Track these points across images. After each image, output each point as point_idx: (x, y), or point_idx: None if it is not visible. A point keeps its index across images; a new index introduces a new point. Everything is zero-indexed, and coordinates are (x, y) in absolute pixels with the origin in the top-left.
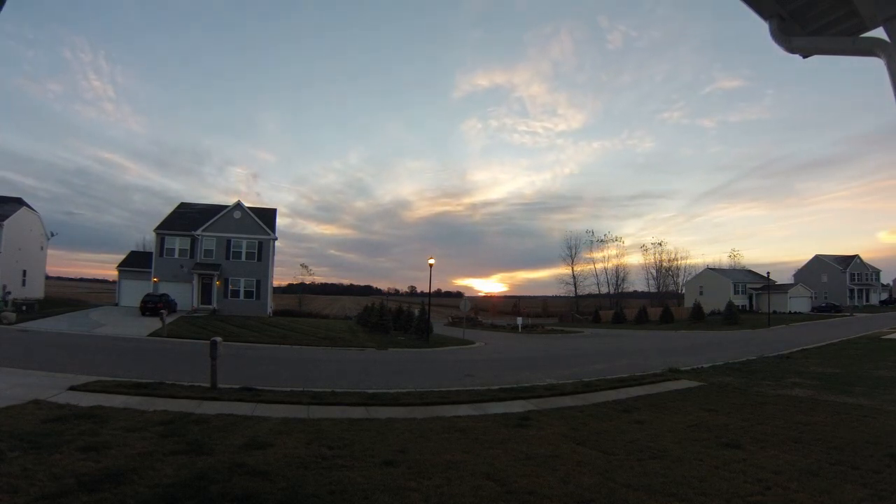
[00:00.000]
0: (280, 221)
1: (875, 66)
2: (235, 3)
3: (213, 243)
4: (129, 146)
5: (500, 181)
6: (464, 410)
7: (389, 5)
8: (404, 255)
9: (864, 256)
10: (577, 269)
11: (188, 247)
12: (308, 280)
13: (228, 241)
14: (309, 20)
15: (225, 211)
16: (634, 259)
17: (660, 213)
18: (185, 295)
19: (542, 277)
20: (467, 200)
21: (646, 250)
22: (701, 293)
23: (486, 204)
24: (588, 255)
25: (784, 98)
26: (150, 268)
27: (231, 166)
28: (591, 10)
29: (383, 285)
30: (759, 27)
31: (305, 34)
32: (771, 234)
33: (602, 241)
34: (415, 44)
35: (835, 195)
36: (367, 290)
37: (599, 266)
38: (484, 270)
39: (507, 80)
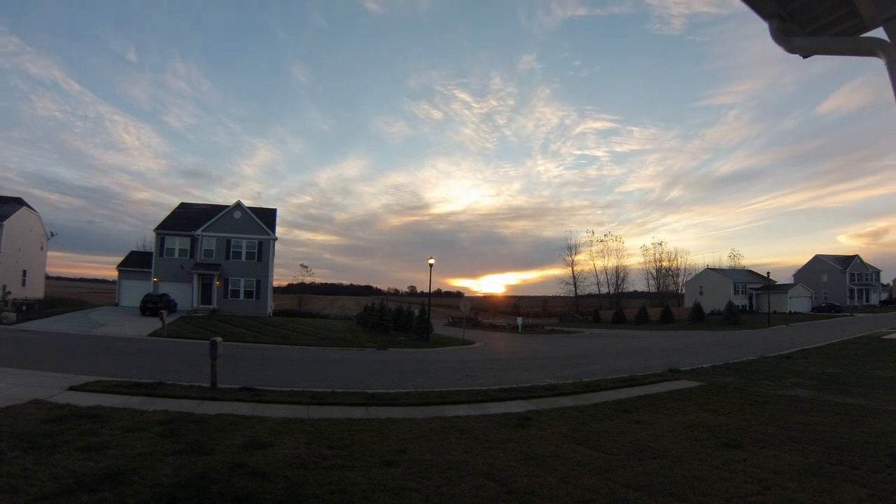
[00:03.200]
0: (278, 230)
1: (876, 65)
2: (235, 80)
3: (213, 243)
4: (146, 175)
5: (451, 198)
6: (464, 410)
7: (314, 73)
8: (393, 256)
9: (865, 257)
10: (577, 269)
11: (188, 247)
12: (308, 280)
13: (228, 241)
14: (282, 92)
15: (225, 211)
16: (632, 259)
17: (613, 221)
18: (185, 295)
19: (534, 280)
20: (431, 212)
21: (646, 250)
22: (701, 293)
23: (450, 214)
24: (587, 257)
25: (650, 132)
26: (150, 268)
27: (235, 188)
28: (454, 91)
29: (382, 285)
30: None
31: (276, 104)
32: (725, 242)
33: (602, 240)
34: (351, 108)
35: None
36: (368, 291)
37: (599, 266)
38: (474, 272)
39: (418, 132)
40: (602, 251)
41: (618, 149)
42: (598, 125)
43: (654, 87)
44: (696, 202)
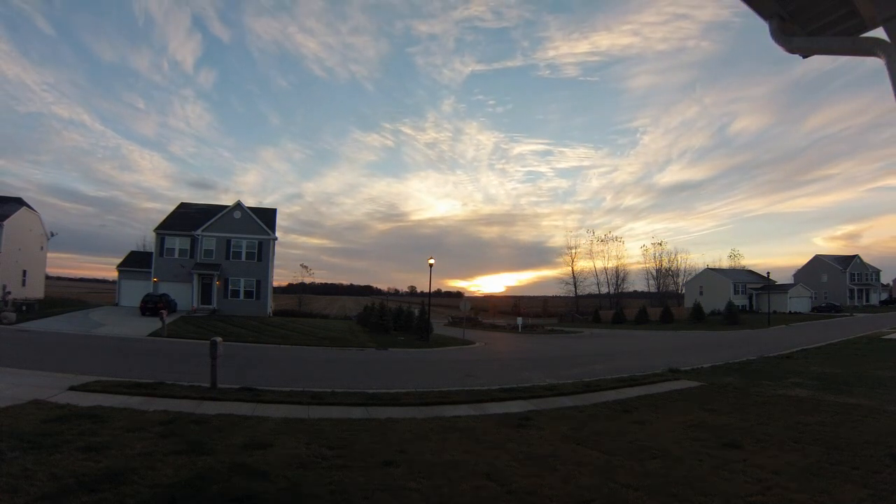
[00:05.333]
0: (276, 231)
1: (875, 65)
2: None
3: (213, 243)
4: (155, 190)
5: (426, 207)
6: (464, 410)
7: (287, 105)
8: (387, 258)
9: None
10: (577, 269)
11: (188, 247)
12: (308, 280)
13: (228, 241)
14: (267, 126)
15: (225, 211)
16: (626, 260)
17: (581, 227)
18: (185, 295)
19: (531, 280)
20: (412, 219)
21: (646, 250)
22: (701, 293)
23: (430, 220)
24: (586, 258)
25: (582, 152)
26: (151, 268)
27: (238, 197)
28: (398, 126)
29: (382, 285)
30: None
31: (269, 133)
32: (696, 246)
33: (603, 240)
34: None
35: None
36: (368, 291)
37: (599, 266)
38: (470, 273)
39: (379, 157)
40: (601, 251)
41: (558, 166)
42: (532, 147)
43: (572, 116)
44: (654, 209)
